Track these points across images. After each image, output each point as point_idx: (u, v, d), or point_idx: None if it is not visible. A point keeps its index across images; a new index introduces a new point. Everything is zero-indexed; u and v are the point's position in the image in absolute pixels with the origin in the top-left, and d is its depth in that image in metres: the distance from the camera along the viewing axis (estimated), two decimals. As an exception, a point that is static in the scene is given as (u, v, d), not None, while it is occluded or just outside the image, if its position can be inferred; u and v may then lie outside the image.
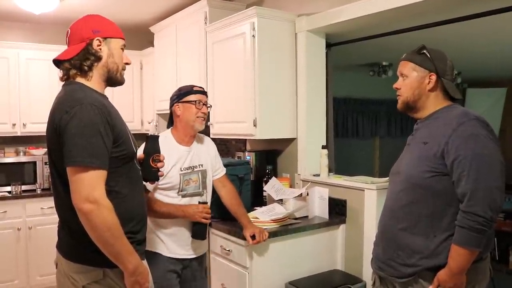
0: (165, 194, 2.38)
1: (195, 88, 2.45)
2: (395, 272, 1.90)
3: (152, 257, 2.34)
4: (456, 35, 4.23)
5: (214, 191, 2.61)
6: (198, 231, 2.38)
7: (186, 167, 2.42)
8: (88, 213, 1.50)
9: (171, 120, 2.52)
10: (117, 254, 1.57)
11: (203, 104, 2.43)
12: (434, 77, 1.89)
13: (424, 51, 1.91)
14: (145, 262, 1.76)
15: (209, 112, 2.55)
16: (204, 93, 2.48)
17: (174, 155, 2.38)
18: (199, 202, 2.40)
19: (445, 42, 4.24)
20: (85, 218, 1.51)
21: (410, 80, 1.92)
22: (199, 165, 2.47)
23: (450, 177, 1.76)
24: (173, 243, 2.40)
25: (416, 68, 1.91)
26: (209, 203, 2.46)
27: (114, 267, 1.61)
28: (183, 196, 2.41)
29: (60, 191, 1.63)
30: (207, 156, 2.54)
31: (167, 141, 2.38)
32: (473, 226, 1.68)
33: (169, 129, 2.50)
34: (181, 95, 2.43)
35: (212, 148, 2.63)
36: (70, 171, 1.53)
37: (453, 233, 1.74)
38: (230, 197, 2.61)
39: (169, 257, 2.40)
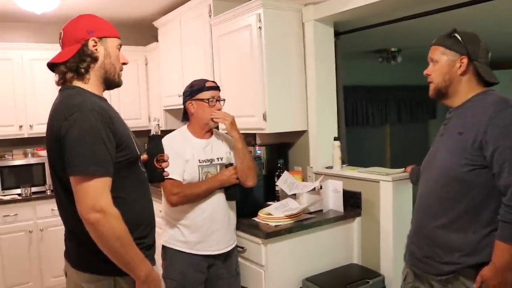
0: None
1: (207, 84, 2.39)
2: (432, 269, 1.82)
3: (173, 255, 2.31)
4: (467, 19, 4.12)
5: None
6: (232, 192, 2.41)
7: (204, 160, 2.39)
8: (95, 223, 1.44)
9: (185, 115, 2.48)
10: (128, 263, 1.52)
11: (217, 100, 2.39)
12: (465, 60, 1.79)
13: (455, 34, 1.82)
14: (155, 267, 1.70)
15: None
16: (217, 88, 2.43)
17: (191, 149, 2.36)
18: (226, 166, 2.40)
19: (456, 26, 4.12)
20: (93, 229, 1.45)
21: (440, 64, 1.83)
22: (217, 158, 2.44)
23: (490, 169, 1.67)
24: (196, 239, 2.34)
25: (446, 52, 1.82)
26: None
27: (125, 275, 1.56)
28: None
29: (64, 200, 1.58)
30: (226, 150, 2.50)
31: (184, 137, 2.40)
32: None
33: (185, 125, 2.48)
34: (193, 92, 2.38)
35: (230, 143, 2.58)
36: (74, 181, 1.46)
37: (495, 228, 1.66)
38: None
39: (192, 254, 2.34)
